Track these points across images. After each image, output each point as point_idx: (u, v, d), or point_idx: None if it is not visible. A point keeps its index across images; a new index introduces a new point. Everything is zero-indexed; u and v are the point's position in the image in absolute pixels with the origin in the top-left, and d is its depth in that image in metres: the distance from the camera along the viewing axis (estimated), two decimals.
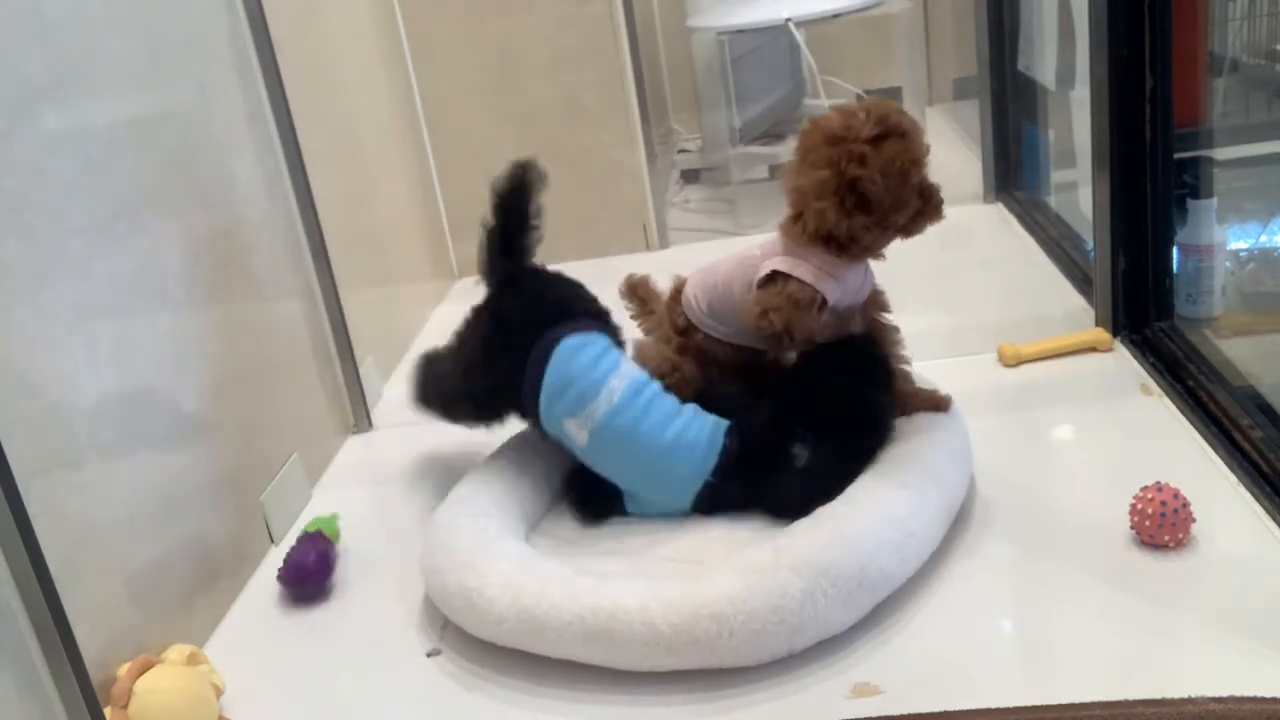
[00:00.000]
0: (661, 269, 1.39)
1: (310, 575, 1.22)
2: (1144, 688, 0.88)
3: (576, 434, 1.20)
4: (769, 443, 1.18)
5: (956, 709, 0.90)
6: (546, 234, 1.27)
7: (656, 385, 1.24)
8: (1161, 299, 1.48)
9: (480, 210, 1.25)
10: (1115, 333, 1.50)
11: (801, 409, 1.18)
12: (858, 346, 1.21)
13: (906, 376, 1.25)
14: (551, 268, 1.29)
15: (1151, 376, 1.39)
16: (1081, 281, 1.68)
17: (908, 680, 0.95)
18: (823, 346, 1.18)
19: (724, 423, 1.21)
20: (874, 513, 1.06)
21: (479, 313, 1.29)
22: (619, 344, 1.28)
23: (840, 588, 0.99)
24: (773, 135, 2.88)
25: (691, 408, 1.23)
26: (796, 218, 1.18)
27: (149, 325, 1.17)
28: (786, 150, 2.74)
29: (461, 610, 1.07)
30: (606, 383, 1.20)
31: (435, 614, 1.13)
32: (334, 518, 1.30)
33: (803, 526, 1.06)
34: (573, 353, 1.21)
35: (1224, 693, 0.86)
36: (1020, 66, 2.06)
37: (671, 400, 1.23)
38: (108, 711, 0.96)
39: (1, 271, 0.96)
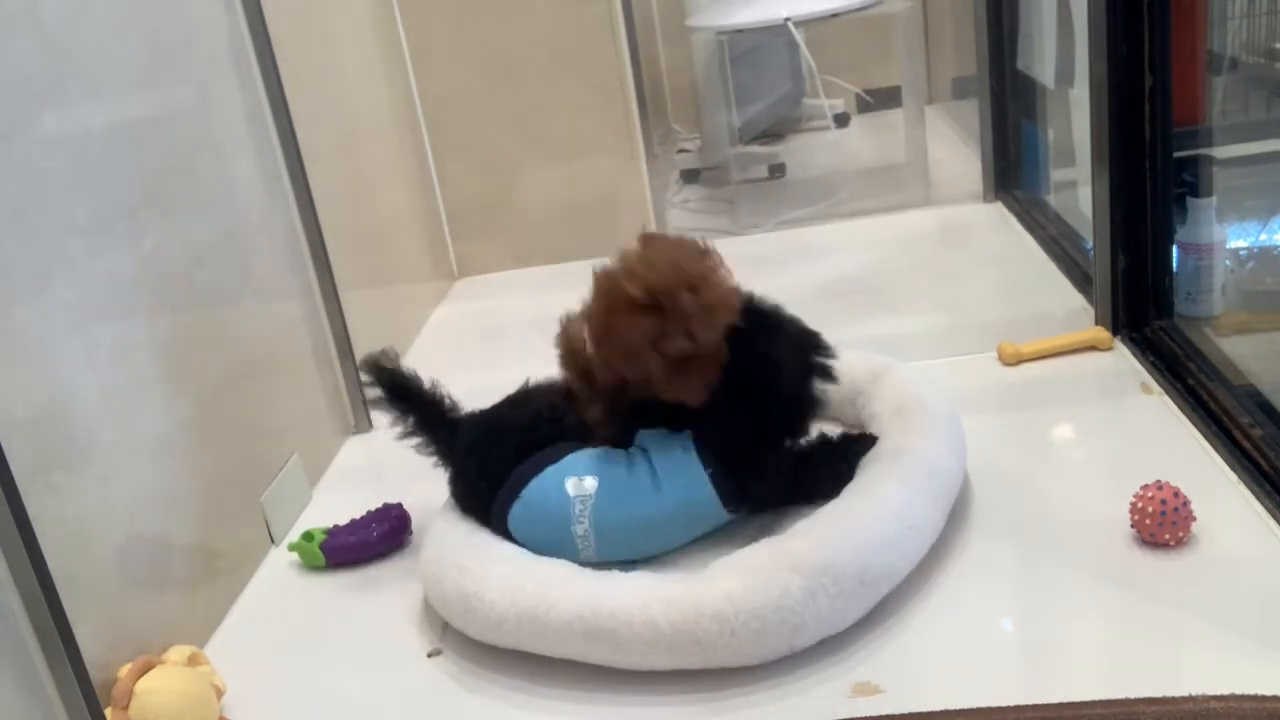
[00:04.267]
0: None
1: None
2: (1144, 686, 0.88)
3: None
4: (742, 442, 1.11)
5: (956, 709, 0.90)
6: (547, 234, 1.26)
7: (616, 479, 1.12)
8: (1161, 297, 1.48)
9: (479, 209, 1.24)
10: (1115, 331, 1.50)
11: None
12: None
13: None
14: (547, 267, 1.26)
15: (1151, 375, 1.39)
16: (1081, 280, 1.68)
17: (908, 680, 0.95)
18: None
19: (685, 459, 1.11)
20: (871, 508, 1.06)
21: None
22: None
23: (842, 585, 0.99)
24: (772, 135, 2.88)
25: (645, 469, 1.13)
26: None
27: (149, 325, 1.17)
28: (786, 150, 2.75)
29: (461, 615, 1.07)
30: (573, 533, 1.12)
31: (436, 614, 1.13)
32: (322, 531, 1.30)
33: (801, 525, 1.05)
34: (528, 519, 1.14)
35: (1224, 691, 0.86)
36: (1019, 65, 2.06)
37: (637, 477, 1.12)
38: (108, 712, 0.97)
39: (1, 272, 0.96)
